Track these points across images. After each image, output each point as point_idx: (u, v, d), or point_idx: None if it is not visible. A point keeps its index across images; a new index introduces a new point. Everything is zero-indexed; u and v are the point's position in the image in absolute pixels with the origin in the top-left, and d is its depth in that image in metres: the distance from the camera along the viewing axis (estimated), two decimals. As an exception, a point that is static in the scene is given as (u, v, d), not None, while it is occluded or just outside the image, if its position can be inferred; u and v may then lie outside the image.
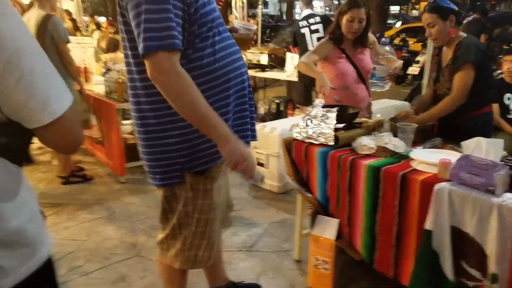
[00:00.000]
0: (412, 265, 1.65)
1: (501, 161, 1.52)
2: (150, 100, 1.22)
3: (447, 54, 2.21)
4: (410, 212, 1.66)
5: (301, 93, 4.34)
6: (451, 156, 1.72)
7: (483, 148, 1.51)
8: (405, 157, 1.86)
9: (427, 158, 1.73)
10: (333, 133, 2.01)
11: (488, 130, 2.21)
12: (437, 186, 1.53)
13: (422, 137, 2.06)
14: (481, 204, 1.40)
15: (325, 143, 2.04)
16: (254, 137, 1.45)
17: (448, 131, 2.14)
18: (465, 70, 2.04)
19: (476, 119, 2.15)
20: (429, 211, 1.55)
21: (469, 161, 1.50)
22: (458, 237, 1.48)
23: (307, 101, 4.27)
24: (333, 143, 2.00)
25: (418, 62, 7.66)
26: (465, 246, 1.47)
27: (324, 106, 2.14)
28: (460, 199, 1.46)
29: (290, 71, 4.84)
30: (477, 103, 2.13)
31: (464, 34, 2.16)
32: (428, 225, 1.55)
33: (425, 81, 4.20)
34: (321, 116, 2.08)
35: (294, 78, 4.54)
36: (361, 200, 1.85)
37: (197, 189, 1.31)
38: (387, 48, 2.79)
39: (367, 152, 1.90)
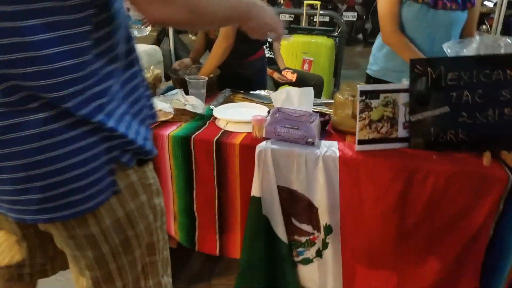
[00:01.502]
0: (240, 236, 1.51)
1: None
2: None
3: None
4: (232, 181, 1.46)
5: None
6: (257, 110, 1.59)
7: (294, 99, 1.43)
8: (206, 118, 1.60)
9: (235, 116, 1.53)
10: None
11: (265, 75, 2.23)
12: (258, 148, 1.37)
13: (208, 90, 1.84)
14: (305, 159, 1.34)
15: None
16: None
17: (229, 81, 2.00)
18: None
19: (253, 64, 2.11)
20: (254, 176, 1.39)
21: (283, 115, 1.40)
22: (287, 196, 1.41)
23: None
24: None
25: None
26: (295, 204, 1.41)
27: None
28: (285, 157, 1.36)
29: None
30: (253, 47, 2.08)
31: None
32: (255, 192, 1.39)
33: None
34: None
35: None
36: (170, 179, 1.50)
37: (149, 185, 0.85)
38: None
39: (164, 119, 1.52)
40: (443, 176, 1.22)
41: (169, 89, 1.78)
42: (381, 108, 1.32)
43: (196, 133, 1.45)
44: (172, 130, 1.47)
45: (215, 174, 1.46)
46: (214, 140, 1.42)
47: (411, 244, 1.31)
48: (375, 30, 7.05)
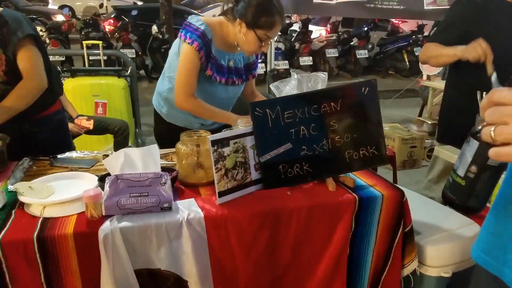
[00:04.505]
0: None
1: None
2: None
3: None
4: (70, 283, 1.08)
5: None
6: (82, 180, 1.25)
7: (136, 161, 1.18)
8: (8, 206, 1.15)
9: (52, 195, 1.15)
10: None
11: (69, 131, 1.80)
12: (102, 232, 1.06)
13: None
14: (165, 229, 1.12)
15: None
16: None
17: (23, 146, 1.53)
18: (27, 46, 1.52)
19: (50, 120, 1.67)
20: (102, 270, 1.06)
21: (125, 182, 1.14)
22: (148, 279, 1.14)
23: None
24: None
25: None
26: (159, 285, 1.16)
27: None
28: (139, 234, 1.10)
29: None
30: (50, 98, 1.65)
31: None
32: (106, 288, 1.07)
33: None
34: None
35: None
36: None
37: None
38: None
39: None
40: (303, 212, 1.25)
41: None
42: (233, 155, 1.26)
43: (2, 233, 1.01)
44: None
45: (43, 280, 1.05)
46: (34, 236, 1.02)
47: (283, 286, 1.29)
48: (156, 66, 7.13)
